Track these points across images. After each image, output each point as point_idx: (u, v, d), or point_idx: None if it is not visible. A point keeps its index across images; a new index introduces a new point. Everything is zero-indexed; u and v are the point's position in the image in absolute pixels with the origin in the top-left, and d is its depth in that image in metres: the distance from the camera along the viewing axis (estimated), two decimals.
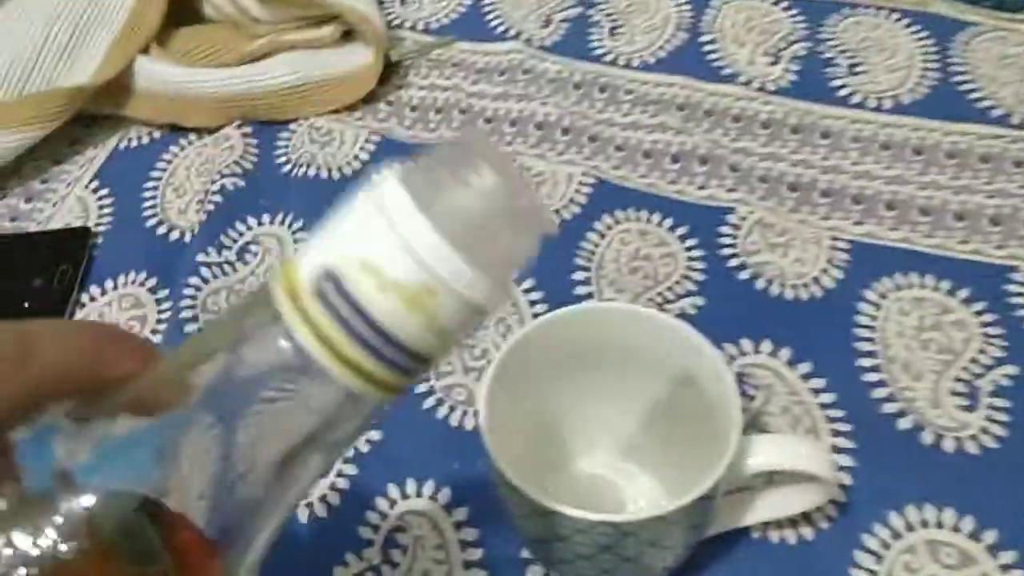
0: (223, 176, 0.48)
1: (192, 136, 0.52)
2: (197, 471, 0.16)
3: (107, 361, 0.17)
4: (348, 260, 0.15)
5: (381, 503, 0.35)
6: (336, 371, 0.16)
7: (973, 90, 0.49)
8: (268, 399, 0.16)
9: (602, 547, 0.26)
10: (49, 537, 0.15)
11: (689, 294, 0.41)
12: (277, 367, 0.16)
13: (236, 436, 0.16)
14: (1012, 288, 0.40)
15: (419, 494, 0.35)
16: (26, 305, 0.43)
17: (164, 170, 0.50)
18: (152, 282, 0.44)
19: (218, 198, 0.47)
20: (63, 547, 0.15)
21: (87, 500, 0.15)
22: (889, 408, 0.37)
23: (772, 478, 0.35)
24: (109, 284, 0.45)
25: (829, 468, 0.28)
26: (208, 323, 0.17)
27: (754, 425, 0.36)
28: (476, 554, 0.34)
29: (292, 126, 0.52)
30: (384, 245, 0.15)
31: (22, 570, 0.15)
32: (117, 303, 0.44)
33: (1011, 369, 0.37)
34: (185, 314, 0.42)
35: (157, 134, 0.53)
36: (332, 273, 0.15)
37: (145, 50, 0.52)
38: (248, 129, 0.51)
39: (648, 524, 0.25)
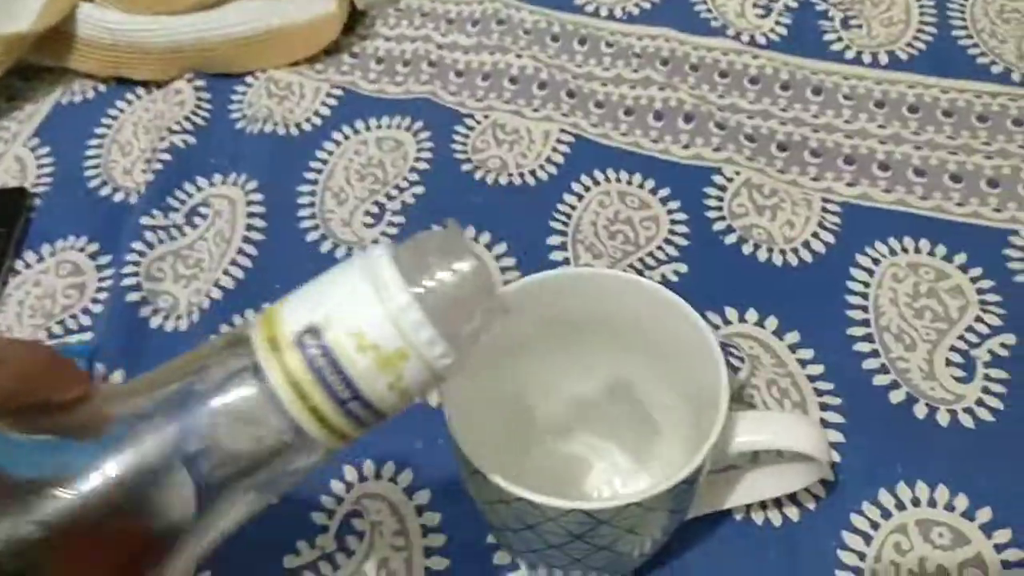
0: (172, 133, 0.45)
1: (140, 90, 0.48)
2: (132, 488, 0.17)
3: (54, 385, 0.18)
4: (332, 319, 0.17)
5: (336, 486, 0.33)
6: (301, 417, 0.17)
7: (972, 45, 0.46)
8: (220, 430, 0.17)
9: (574, 535, 0.24)
10: None
11: (671, 260, 0.39)
12: (240, 404, 0.17)
13: (177, 457, 0.17)
14: (1011, 253, 0.38)
15: (378, 476, 0.33)
16: None
17: (109, 127, 0.47)
18: (93, 247, 0.41)
19: (166, 156, 0.44)
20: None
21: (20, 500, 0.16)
22: (881, 380, 0.35)
23: (757, 456, 0.33)
24: (46, 249, 0.41)
25: (823, 447, 0.26)
26: (178, 358, 0.19)
27: (738, 399, 0.34)
28: (439, 540, 0.31)
29: (249, 79, 0.48)
30: (370, 312, 0.17)
31: None
32: (54, 270, 0.40)
33: (1008, 338, 0.35)
34: (127, 282, 0.39)
35: (103, 88, 0.49)
36: (316, 329, 0.17)
37: None
38: (201, 82, 0.48)
39: (624, 511, 0.22)
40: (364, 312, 0.17)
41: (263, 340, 0.17)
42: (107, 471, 0.16)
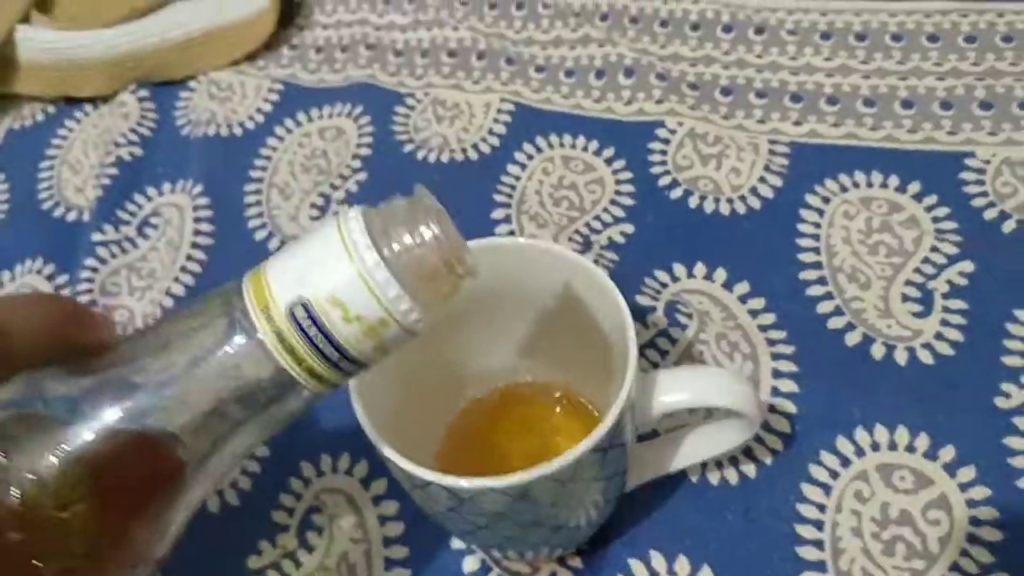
0: (118, 146, 0.45)
1: (88, 107, 0.48)
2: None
3: (72, 333, 0.20)
4: (320, 294, 0.19)
5: (295, 483, 0.33)
6: (302, 379, 0.19)
7: None
8: (222, 385, 0.19)
9: (496, 513, 0.23)
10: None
11: (617, 221, 0.38)
12: (236, 362, 0.19)
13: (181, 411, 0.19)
14: (966, 176, 0.37)
15: (335, 470, 0.33)
16: None
17: (60, 147, 0.47)
18: (49, 268, 0.42)
19: (113, 171, 0.44)
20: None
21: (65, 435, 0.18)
22: (836, 323, 0.34)
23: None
24: (6, 276, 0.42)
25: (748, 400, 0.25)
26: (172, 316, 0.22)
27: (688, 356, 0.34)
28: (397, 529, 0.31)
29: (192, 84, 0.48)
30: (352, 287, 0.19)
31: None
32: None
33: (966, 266, 0.34)
34: (83, 299, 0.39)
35: (51, 109, 0.49)
36: (306, 304, 0.19)
37: (25, 19, 0.48)
38: (145, 92, 0.47)
39: (537, 485, 0.22)
40: (347, 286, 0.19)
41: (259, 309, 0.19)
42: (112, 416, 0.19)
